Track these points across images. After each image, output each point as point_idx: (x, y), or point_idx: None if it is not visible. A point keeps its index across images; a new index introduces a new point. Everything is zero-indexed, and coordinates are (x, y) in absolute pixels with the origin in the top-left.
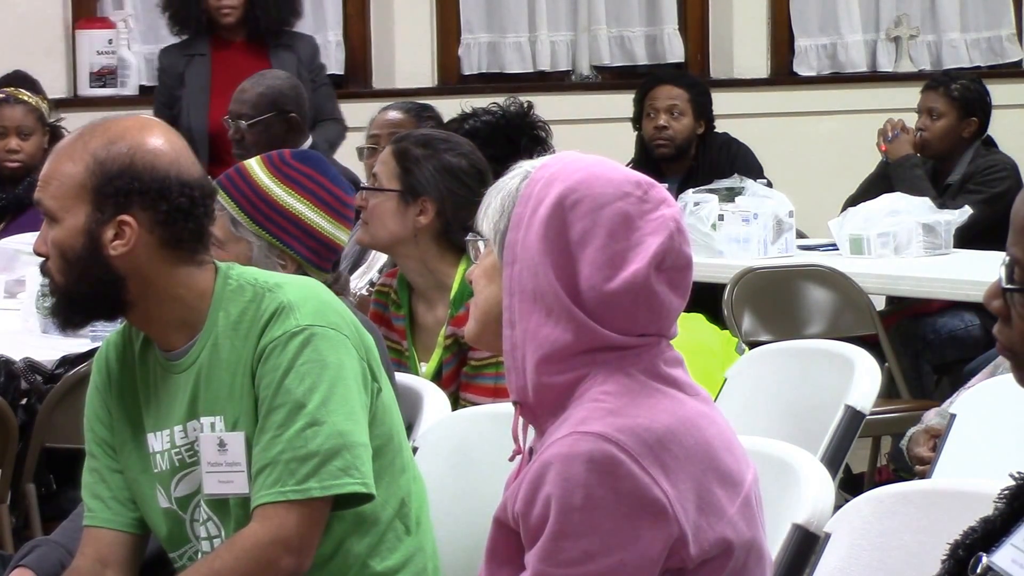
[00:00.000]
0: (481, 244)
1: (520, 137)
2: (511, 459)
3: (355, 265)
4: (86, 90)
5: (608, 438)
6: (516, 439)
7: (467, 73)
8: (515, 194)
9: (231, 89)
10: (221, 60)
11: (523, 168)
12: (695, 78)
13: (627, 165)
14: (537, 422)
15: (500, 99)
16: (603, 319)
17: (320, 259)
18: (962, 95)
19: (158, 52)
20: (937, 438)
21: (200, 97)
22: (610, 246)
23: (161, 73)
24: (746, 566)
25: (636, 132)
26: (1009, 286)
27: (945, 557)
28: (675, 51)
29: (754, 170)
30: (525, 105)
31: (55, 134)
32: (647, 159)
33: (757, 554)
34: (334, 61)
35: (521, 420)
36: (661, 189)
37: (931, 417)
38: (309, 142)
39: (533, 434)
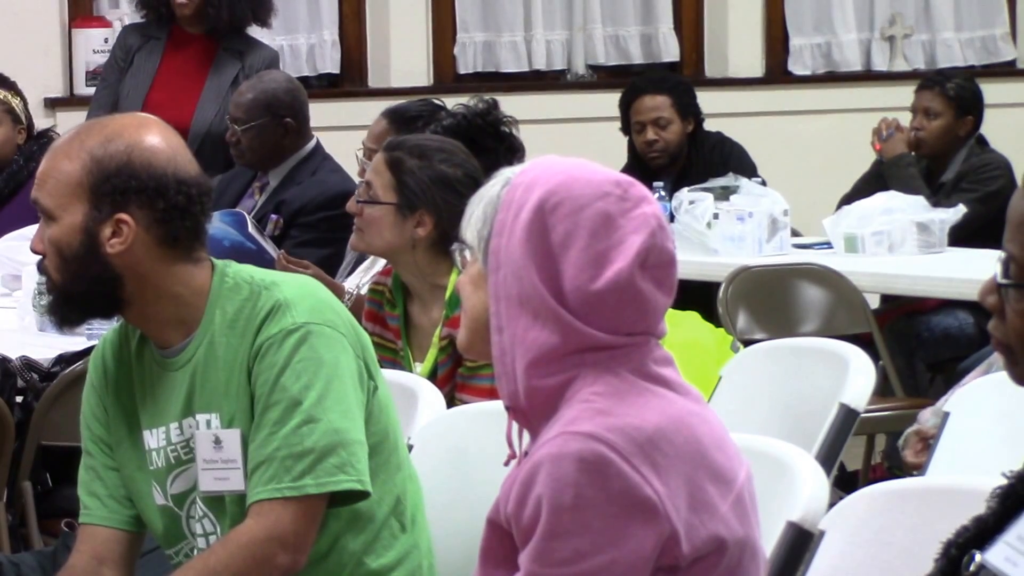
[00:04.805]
0: (467, 253)
1: (483, 137)
2: (506, 463)
3: (357, 262)
4: (82, 89)
5: (598, 437)
6: (511, 444)
7: (463, 72)
8: (496, 201)
9: (174, 80)
10: (173, 50)
11: (504, 175)
12: (675, 79)
13: (621, 169)
14: (530, 426)
15: (465, 99)
16: (589, 319)
17: None
18: (958, 94)
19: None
20: (927, 440)
21: (142, 81)
22: (592, 246)
23: (115, 47)
24: (740, 564)
25: (627, 137)
26: (1004, 281)
27: (938, 556)
28: (670, 50)
29: (748, 169)
30: (490, 102)
31: (41, 135)
32: (639, 162)
33: (751, 552)
34: (330, 60)
35: (515, 425)
36: (641, 187)
37: (927, 416)
38: (313, 143)
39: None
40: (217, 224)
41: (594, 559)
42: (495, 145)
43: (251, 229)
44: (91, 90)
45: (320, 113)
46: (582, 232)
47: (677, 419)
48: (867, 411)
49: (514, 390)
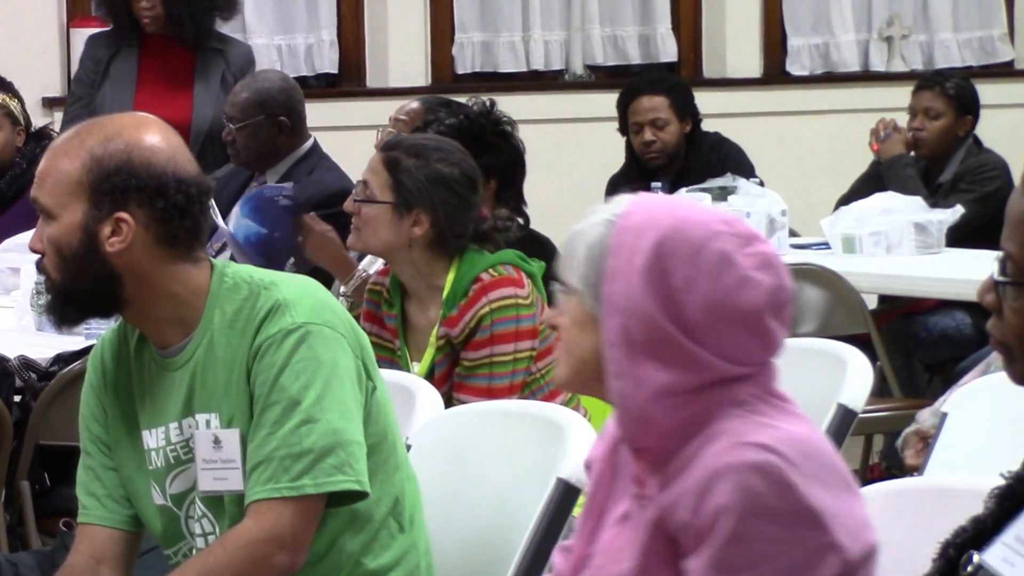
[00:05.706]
0: (566, 294)
1: (488, 135)
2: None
3: (358, 260)
4: None
5: (772, 449)
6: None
7: (461, 72)
8: (603, 245)
9: (158, 82)
10: (149, 53)
11: (602, 216)
12: (673, 79)
13: (620, 169)
14: (658, 462)
15: (462, 99)
16: (719, 354)
17: None
18: (958, 93)
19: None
20: (928, 440)
21: (125, 87)
22: (717, 287)
23: (84, 59)
24: (871, 571)
25: (624, 138)
26: (1002, 279)
27: (936, 556)
28: (668, 51)
29: (745, 170)
30: (487, 103)
31: (40, 135)
32: (637, 163)
33: (875, 560)
34: (328, 60)
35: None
36: (747, 224)
37: (925, 417)
38: (311, 143)
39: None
40: (238, 222)
41: (767, 567)
42: (500, 143)
43: (283, 201)
44: None
45: (318, 113)
46: (704, 274)
47: (813, 432)
48: (865, 411)
49: (642, 431)
